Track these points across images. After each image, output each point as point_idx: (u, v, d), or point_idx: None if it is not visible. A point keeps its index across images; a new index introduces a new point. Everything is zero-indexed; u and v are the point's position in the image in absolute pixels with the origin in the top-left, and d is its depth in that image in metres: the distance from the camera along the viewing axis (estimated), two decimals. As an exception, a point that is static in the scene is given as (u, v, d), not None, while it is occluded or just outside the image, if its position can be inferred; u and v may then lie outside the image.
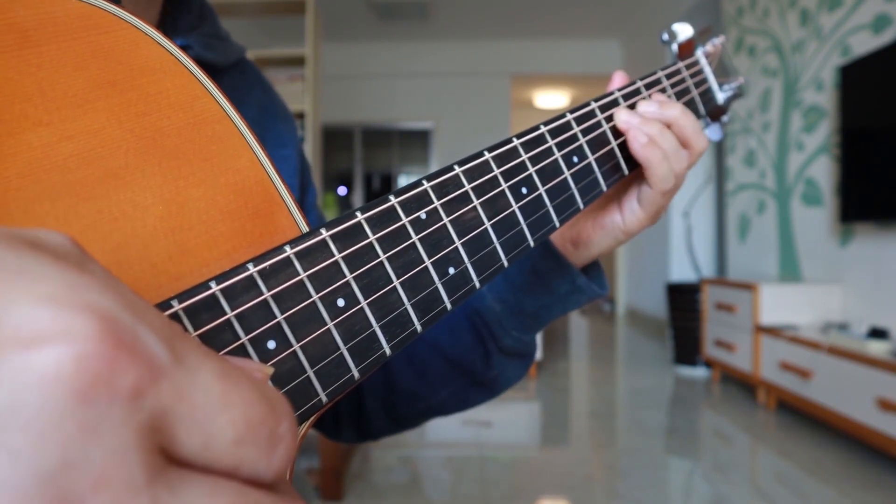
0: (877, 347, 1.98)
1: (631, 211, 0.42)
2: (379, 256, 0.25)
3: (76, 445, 0.11)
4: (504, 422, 2.45)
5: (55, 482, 0.11)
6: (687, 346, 3.31)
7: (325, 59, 5.32)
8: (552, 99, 6.82)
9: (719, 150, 4.02)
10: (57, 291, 0.12)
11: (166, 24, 0.45)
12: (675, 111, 0.40)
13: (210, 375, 0.14)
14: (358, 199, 6.07)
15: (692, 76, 0.46)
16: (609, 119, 0.38)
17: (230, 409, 0.14)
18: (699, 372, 3.27)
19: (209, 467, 0.14)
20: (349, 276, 0.24)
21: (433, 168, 5.92)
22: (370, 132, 6.06)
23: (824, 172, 2.68)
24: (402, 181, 6.23)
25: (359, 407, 0.51)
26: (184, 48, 0.44)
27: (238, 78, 0.50)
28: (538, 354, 3.17)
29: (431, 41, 5.66)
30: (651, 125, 0.38)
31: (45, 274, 0.12)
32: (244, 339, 0.21)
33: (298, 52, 2.83)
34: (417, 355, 0.49)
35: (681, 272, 4.29)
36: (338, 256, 0.24)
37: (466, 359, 0.48)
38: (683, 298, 3.35)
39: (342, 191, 6.13)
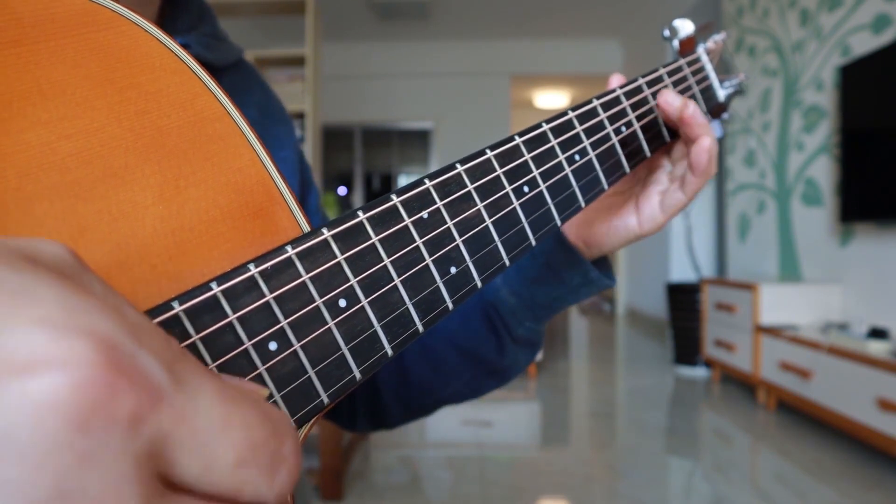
0: (877, 347, 1.98)
1: (651, 218, 0.42)
2: (381, 256, 0.25)
3: (72, 476, 0.11)
4: (504, 422, 2.45)
5: None
6: (687, 346, 3.31)
7: (325, 59, 5.32)
8: (552, 99, 6.82)
9: (719, 149, 4.01)
10: (54, 314, 0.12)
11: (165, 24, 0.45)
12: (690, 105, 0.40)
13: (211, 398, 0.14)
14: (358, 199, 6.07)
15: (694, 73, 0.45)
16: (611, 118, 0.38)
17: (231, 432, 0.14)
18: (699, 372, 3.27)
19: (211, 492, 0.14)
20: (351, 277, 0.24)
21: (433, 168, 5.92)
22: (370, 132, 6.05)
23: (824, 172, 2.68)
24: (402, 181, 6.23)
25: (375, 399, 0.53)
26: (182, 47, 0.44)
27: (237, 79, 0.50)
28: (538, 355, 3.19)
29: (431, 41, 5.66)
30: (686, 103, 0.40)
31: (44, 296, 0.12)
32: (247, 343, 0.21)
33: (298, 52, 2.83)
34: (431, 349, 0.50)
35: (681, 272, 4.29)
36: (340, 258, 0.24)
37: (480, 349, 0.49)
38: (683, 298, 3.35)
39: (342, 191, 6.13)
